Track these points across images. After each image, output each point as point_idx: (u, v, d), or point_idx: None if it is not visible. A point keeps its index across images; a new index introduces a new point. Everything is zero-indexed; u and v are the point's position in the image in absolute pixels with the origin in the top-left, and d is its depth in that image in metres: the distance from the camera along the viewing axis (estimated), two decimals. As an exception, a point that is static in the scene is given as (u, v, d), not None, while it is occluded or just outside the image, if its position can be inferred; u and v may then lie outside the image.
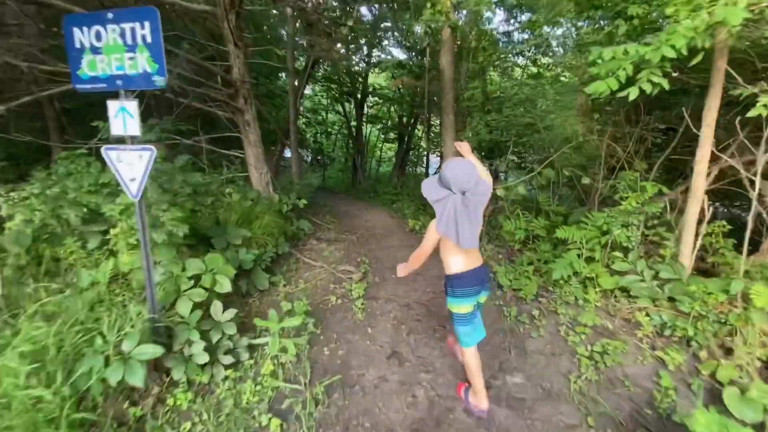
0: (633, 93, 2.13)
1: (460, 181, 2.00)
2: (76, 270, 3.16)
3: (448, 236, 2.03)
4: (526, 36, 10.69)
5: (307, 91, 14.99)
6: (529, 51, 9.34)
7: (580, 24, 9.11)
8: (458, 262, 2.23)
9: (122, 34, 2.27)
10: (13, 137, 5.36)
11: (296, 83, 8.58)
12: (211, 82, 5.50)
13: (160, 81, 2.29)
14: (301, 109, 12.68)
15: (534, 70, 10.48)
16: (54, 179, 3.46)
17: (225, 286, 3.04)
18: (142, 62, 2.28)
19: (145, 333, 2.53)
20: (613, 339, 2.99)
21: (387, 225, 7.77)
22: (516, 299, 3.91)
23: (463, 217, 1.99)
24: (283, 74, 11.05)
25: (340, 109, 13.49)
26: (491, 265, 4.75)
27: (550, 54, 10.24)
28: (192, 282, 2.94)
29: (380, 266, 5.11)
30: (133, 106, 2.34)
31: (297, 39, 7.50)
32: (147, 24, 2.23)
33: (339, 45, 10.43)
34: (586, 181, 4.05)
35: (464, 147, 2.49)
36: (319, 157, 16.34)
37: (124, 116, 2.35)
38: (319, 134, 15.50)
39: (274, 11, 7.71)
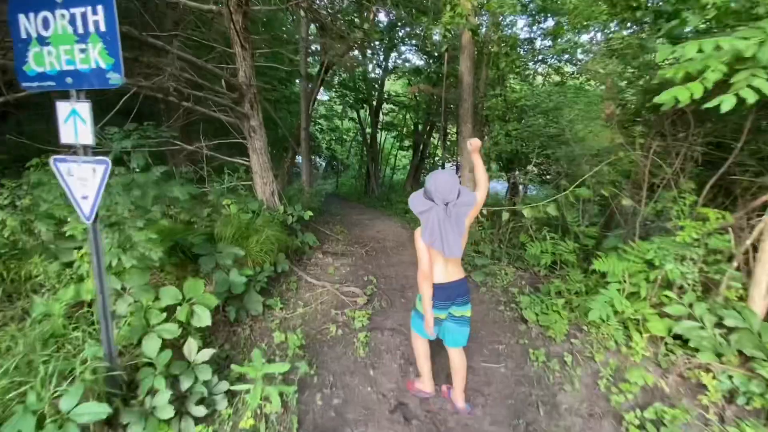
0: (728, 103, 1.55)
1: (442, 193, 2.01)
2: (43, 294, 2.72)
3: (434, 246, 2.03)
4: (548, 43, 10.09)
5: (324, 97, 14.64)
6: (552, 58, 8.71)
7: (608, 29, 8.47)
8: (438, 272, 2.19)
9: (72, 21, 1.81)
10: (18, 138, 5.03)
11: (309, 88, 8.14)
12: (217, 86, 5.08)
13: (115, 78, 1.81)
14: (314, 114, 12.26)
15: (556, 78, 9.84)
16: (25, 189, 3.04)
17: (204, 319, 2.55)
18: (94, 55, 1.81)
19: (98, 382, 2.05)
20: (669, 404, 2.37)
21: (399, 237, 7.23)
22: (543, 338, 3.31)
23: (447, 227, 1.99)
24: (299, 80, 10.69)
25: (355, 116, 13.03)
26: (512, 292, 4.15)
27: (575, 62, 9.60)
28: (165, 314, 2.46)
29: (389, 287, 4.57)
30: (85, 108, 1.87)
31: (310, 42, 7.07)
32: (100, 8, 1.76)
33: (355, 51, 10.03)
34: (627, 202, 3.43)
35: (474, 144, 2.29)
36: (334, 164, 15.93)
37: (75, 121, 1.89)
38: (332, 141, 15.07)
39: (288, 14, 7.30)
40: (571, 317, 3.39)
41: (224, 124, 5.39)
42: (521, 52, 7.25)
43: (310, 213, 5.35)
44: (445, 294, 2.19)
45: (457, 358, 2.42)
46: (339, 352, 3.16)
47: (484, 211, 4.28)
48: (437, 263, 2.17)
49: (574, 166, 5.62)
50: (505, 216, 3.81)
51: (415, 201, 2.13)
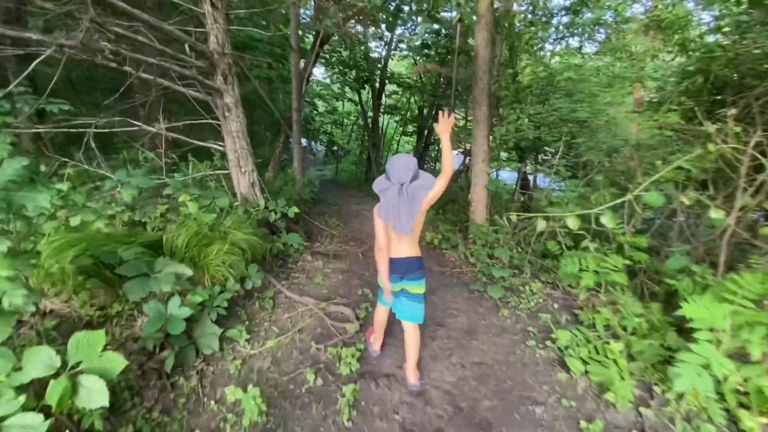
0: None
1: (397, 174, 2.06)
2: None
3: (388, 222, 2.10)
4: (566, 19, 8.83)
5: (325, 78, 13.37)
6: (571, 36, 7.47)
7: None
8: (392, 248, 2.23)
9: None
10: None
11: (303, 64, 6.99)
12: (183, 54, 3.98)
13: None
14: (309, 93, 11.04)
15: (573, 60, 8.61)
16: None
17: (97, 396, 1.57)
18: None
19: None
20: None
21: (400, 234, 6.21)
22: (596, 399, 2.33)
23: (399, 206, 2.04)
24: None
25: (356, 98, 11.78)
26: (542, 319, 3.17)
27: (598, 40, 8.36)
28: (24, 396, 1.48)
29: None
30: None
31: (302, 8, 5.89)
32: None
33: (358, 27, 8.78)
34: (717, 214, 2.39)
35: (447, 122, 2.00)
36: (334, 149, 14.73)
37: None
38: (331, 125, 13.85)
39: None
40: (633, 368, 2.41)
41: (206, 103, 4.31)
42: (542, 19, 5.97)
43: (295, 210, 4.33)
44: (395, 267, 2.24)
45: (410, 334, 2.39)
46: (315, 417, 2.19)
47: (513, 217, 3.24)
48: (393, 239, 2.22)
49: (610, 158, 4.55)
50: (542, 225, 2.80)
51: (378, 181, 2.18)
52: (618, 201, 2.76)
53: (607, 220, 2.61)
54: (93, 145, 3.45)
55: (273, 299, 3.38)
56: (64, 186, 2.87)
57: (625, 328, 2.70)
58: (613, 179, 4.30)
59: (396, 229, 2.06)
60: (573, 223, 2.59)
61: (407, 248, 2.23)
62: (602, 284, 3.13)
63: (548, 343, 2.83)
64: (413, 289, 2.29)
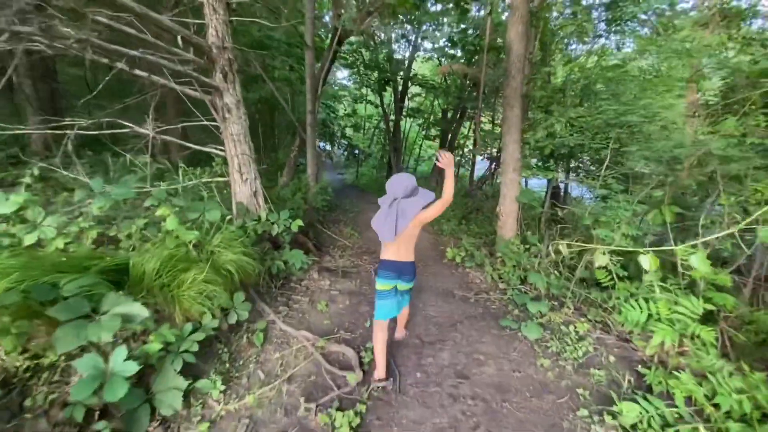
0: None
1: (392, 190, 2.29)
2: None
3: (375, 229, 2.31)
4: (604, 15, 7.89)
5: (347, 82, 12.86)
6: (624, 29, 6.57)
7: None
8: (386, 251, 2.39)
9: None
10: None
11: (319, 65, 6.44)
12: (180, 49, 3.49)
13: None
14: (327, 95, 10.49)
15: (619, 57, 7.65)
16: None
17: None
18: None
19: None
20: None
21: (425, 249, 5.54)
22: None
23: (388, 218, 2.24)
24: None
25: (377, 100, 11.16)
26: (596, 378, 2.42)
27: (654, 31, 7.36)
28: None
29: (401, 344, 2.92)
30: None
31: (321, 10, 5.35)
32: None
33: (382, 27, 8.17)
34: None
35: (447, 158, 2.19)
36: (356, 153, 14.18)
37: None
38: (351, 127, 13.29)
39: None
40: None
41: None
42: (587, 12, 5.09)
43: (299, 223, 3.74)
44: (394, 267, 2.36)
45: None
46: None
47: (563, 249, 2.53)
48: (388, 245, 2.36)
49: (671, 170, 3.72)
50: (602, 260, 2.10)
51: (383, 197, 2.36)
52: (719, 235, 2.00)
53: (700, 263, 1.86)
54: (70, 147, 2.99)
55: (264, 332, 2.79)
56: (20, 197, 2.41)
57: (716, 405, 1.95)
58: (674, 195, 3.50)
59: (381, 237, 2.26)
60: (649, 264, 1.87)
61: (404, 253, 2.38)
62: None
63: (607, 417, 2.09)
64: (405, 287, 2.46)
